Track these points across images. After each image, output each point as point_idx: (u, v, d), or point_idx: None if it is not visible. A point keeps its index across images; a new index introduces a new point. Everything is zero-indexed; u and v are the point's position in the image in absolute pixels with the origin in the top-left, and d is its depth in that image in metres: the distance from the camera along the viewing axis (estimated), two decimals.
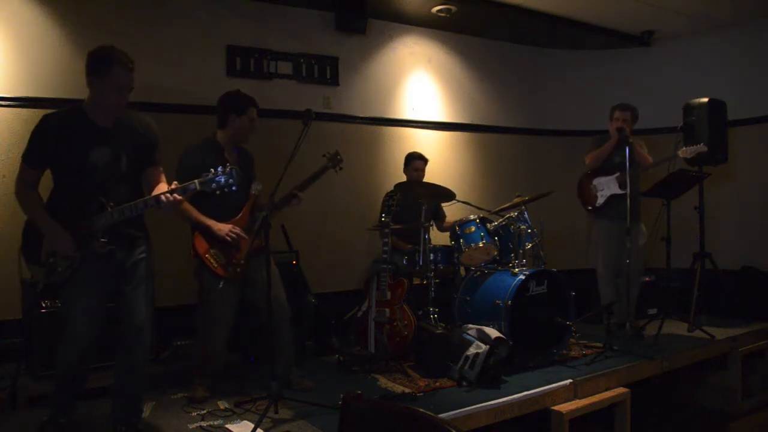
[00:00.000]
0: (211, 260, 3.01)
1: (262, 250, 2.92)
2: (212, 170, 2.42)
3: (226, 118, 3.17)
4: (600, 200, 4.37)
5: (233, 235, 3.01)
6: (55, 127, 2.40)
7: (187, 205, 3.01)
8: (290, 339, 3.23)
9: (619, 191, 4.24)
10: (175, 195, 2.40)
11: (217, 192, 2.43)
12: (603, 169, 4.37)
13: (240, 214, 3.13)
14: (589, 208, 4.49)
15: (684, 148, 4.18)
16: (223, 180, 2.41)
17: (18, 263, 2.85)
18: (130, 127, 2.53)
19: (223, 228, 3.02)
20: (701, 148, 4.11)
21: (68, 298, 2.50)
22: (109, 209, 2.39)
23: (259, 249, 2.94)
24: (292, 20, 4.75)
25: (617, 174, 4.27)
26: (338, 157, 3.21)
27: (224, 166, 2.44)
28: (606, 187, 4.35)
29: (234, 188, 2.46)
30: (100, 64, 2.38)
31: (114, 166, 2.45)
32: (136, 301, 2.53)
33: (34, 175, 2.47)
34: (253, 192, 3.15)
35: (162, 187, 2.50)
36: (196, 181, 2.41)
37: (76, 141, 2.40)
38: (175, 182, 2.45)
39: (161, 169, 2.63)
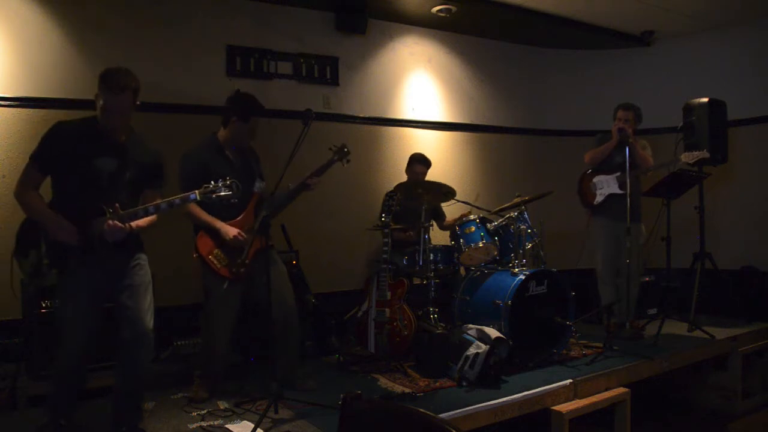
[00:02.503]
0: (214, 261, 3.01)
1: (265, 251, 2.92)
2: (212, 182, 2.51)
3: (228, 119, 3.15)
4: (599, 198, 4.37)
5: (239, 239, 3.00)
6: (67, 133, 2.46)
7: (194, 207, 3.01)
8: (296, 340, 3.23)
9: (618, 191, 4.24)
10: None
11: (216, 201, 2.53)
12: (604, 168, 4.37)
13: (244, 213, 3.12)
14: (588, 205, 4.49)
15: (686, 153, 4.17)
16: (222, 192, 2.50)
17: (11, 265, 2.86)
18: (140, 147, 2.61)
19: (230, 231, 3.00)
20: (704, 154, 4.09)
21: (62, 301, 2.53)
22: (109, 214, 2.41)
23: (263, 249, 2.94)
24: (292, 20, 4.75)
25: (618, 173, 4.26)
26: (345, 149, 3.18)
27: (224, 179, 2.52)
28: (606, 185, 4.35)
29: (233, 200, 2.55)
30: (98, 83, 2.44)
31: (118, 176, 2.51)
32: (136, 307, 2.53)
33: (38, 178, 2.49)
34: (256, 190, 3.14)
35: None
36: (196, 191, 2.49)
37: (85, 148, 2.45)
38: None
39: (157, 194, 2.67)
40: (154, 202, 2.49)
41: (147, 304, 2.57)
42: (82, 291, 2.48)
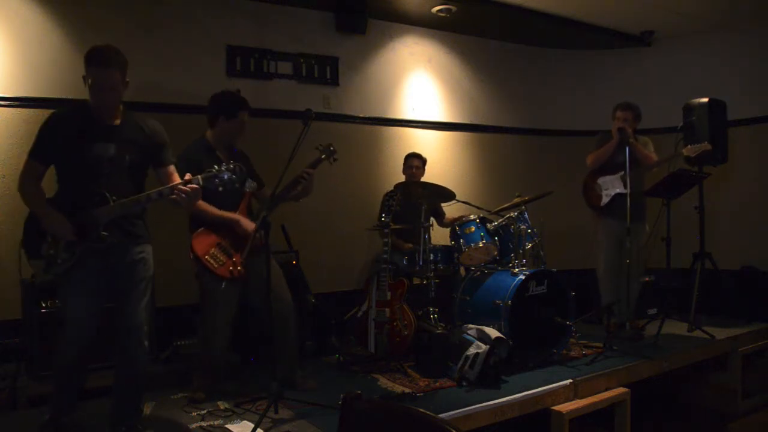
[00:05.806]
0: (212, 262, 3.01)
1: (262, 250, 2.92)
2: (215, 167, 2.48)
3: (216, 119, 3.16)
4: (605, 199, 4.35)
5: (250, 234, 2.97)
6: (63, 123, 2.45)
7: (204, 204, 3.00)
8: (294, 339, 3.23)
9: (623, 190, 4.23)
10: (192, 185, 2.42)
11: (220, 188, 2.48)
12: (607, 168, 4.36)
13: (237, 212, 3.13)
14: (594, 207, 4.46)
15: (689, 146, 4.18)
16: (226, 176, 2.46)
17: (18, 262, 2.87)
18: (136, 126, 2.57)
19: (250, 225, 2.99)
20: (705, 146, 4.09)
21: (66, 295, 2.50)
22: (112, 203, 2.41)
23: (259, 248, 2.94)
24: (292, 20, 4.74)
25: (621, 173, 4.25)
26: (332, 148, 3.18)
27: (227, 163, 2.49)
28: (611, 185, 4.33)
29: (237, 185, 2.52)
30: (84, 63, 2.41)
31: (118, 161, 2.48)
32: (133, 301, 2.53)
33: (39, 170, 2.49)
34: (247, 189, 3.14)
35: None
36: (199, 176, 2.45)
37: (82, 136, 2.44)
38: (188, 174, 2.47)
39: (172, 168, 2.65)
40: (157, 189, 2.46)
41: (143, 303, 2.56)
42: (87, 285, 2.46)
